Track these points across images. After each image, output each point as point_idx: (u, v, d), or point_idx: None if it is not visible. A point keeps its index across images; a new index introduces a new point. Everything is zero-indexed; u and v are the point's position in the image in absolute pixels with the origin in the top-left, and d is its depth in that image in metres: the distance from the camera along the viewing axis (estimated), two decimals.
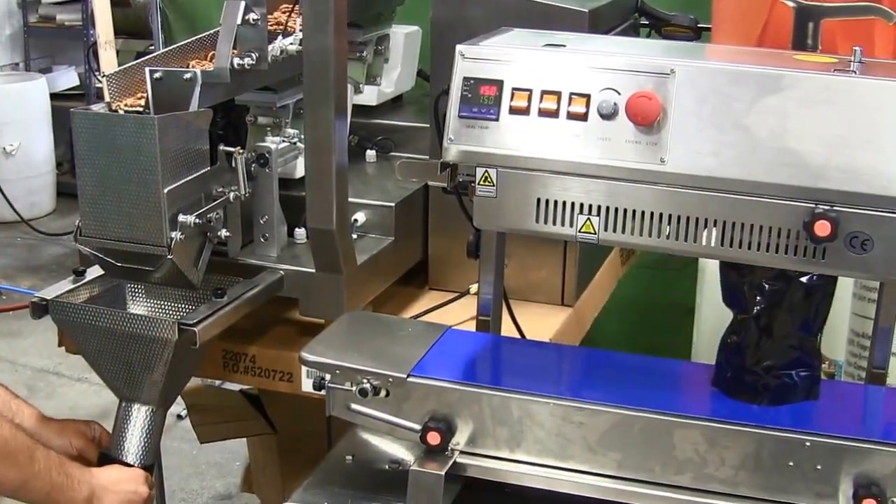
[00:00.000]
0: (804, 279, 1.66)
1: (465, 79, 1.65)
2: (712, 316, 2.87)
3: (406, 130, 2.80)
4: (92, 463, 2.02)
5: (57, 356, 4.74)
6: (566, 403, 1.67)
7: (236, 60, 2.05)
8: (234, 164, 2.12)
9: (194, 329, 1.97)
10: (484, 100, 1.64)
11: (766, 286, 1.68)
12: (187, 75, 2.00)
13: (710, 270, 2.88)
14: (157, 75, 1.99)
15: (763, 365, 1.71)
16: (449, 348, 1.84)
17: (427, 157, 2.46)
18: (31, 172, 6.96)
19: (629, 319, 3.74)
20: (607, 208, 1.62)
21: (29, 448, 1.82)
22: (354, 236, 2.30)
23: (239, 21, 2.05)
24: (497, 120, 1.63)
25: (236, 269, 2.21)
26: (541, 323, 2.36)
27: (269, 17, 2.19)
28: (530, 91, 1.62)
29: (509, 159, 1.64)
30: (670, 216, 1.59)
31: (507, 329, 2.12)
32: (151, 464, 2.07)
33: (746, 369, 1.71)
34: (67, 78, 7.52)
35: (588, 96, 1.59)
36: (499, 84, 1.63)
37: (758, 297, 1.69)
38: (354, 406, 1.75)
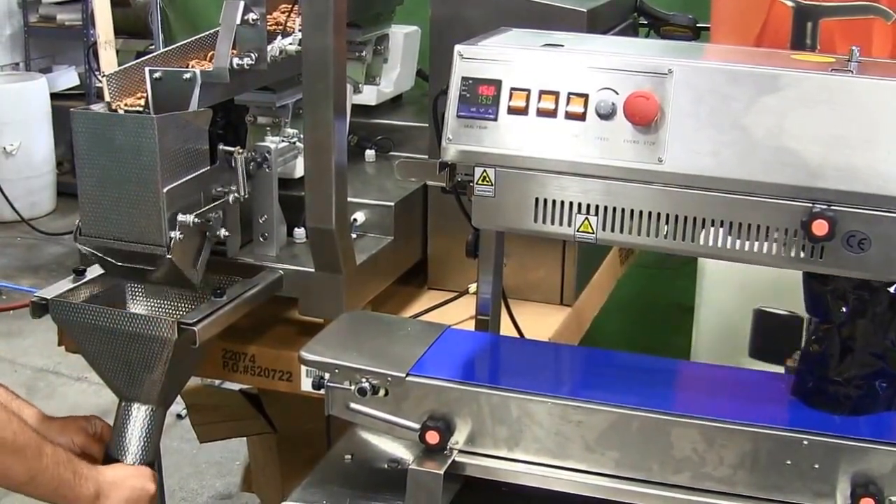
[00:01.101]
0: (891, 288, 1.62)
1: (464, 78, 1.65)
2: (711, 315, 2.87)
3: (405, 130, 2.81)
4: (95, 458, 2.02)
5: (57, 356, 4.74)
6: (565, 402, 1.67)
7: (236, 60, 2.05)
8: (233, 164, 2.13)
9: (194, 328, 1.97)
10: (482, 99, 1.64)
11: (851, 295, 1.63)
12: (187, 75, 2.01)
13: (708, 270, 2.88)
14: (156, 75, 1.99)
15: (845, 375, 1.66)
16: (448, 348, 1.84)
17: (426, 156, 2.46)
18: (31, 172, 6.96)
19: (628, 319, 3.75)
20: (605, 208, 1.61)
21: (37, 443, 1.82)
22: (354, 236, 2.30)
23: (238, 21, 2.05)
24: (495, 120, 1.63)
25: (235, 269, 2.22)
26: (540, 322, 2.36)
27: (269, 17, 2.20)
28: (528, 91, 1.62)
29: (508, 159, 1.64)
30: (668, 216, 1.59)
31: (506, 328, 2.13)
32: (151, 462, 2.07)
33: (828, 379, 1.67)
34: (67, 78, 7.53)
35: (586, 96, 1.59)
36: (497, 84, 1.63)
37: (842, 308, 1.64)
38: (353, 405, 1.75)
